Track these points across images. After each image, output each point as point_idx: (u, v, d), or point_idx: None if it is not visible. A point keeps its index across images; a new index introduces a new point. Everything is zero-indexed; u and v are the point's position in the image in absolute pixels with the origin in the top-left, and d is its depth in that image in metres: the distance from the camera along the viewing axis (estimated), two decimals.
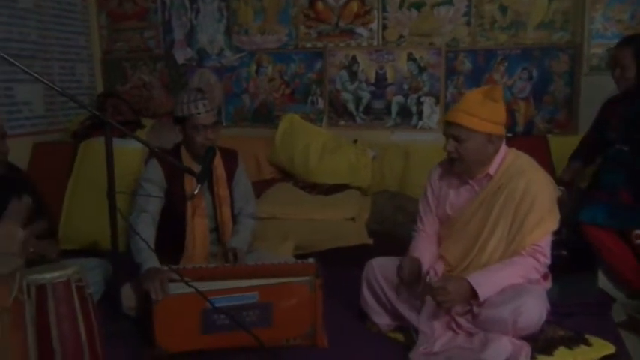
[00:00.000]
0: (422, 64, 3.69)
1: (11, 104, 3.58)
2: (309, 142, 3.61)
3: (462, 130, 2.00)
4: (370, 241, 3.02)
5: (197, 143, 2.39)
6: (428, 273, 2.09)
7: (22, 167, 2.71)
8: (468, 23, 3.59)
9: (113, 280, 2.31)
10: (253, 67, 4.01)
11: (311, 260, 2.29)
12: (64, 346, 1.58)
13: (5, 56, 1.77)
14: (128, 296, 2.29)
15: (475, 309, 1.98)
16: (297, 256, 2.62)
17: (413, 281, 2.09)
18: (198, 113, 2.35)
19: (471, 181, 2.12)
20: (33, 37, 3.74)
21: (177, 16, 4.10)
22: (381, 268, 2.28)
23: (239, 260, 2.30)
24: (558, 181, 2.77)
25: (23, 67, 1.84)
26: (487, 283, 1.95)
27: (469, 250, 2.10)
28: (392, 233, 3.07)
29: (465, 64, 3.63)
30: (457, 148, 2.02)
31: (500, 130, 2.03)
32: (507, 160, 2.08)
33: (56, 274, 1.59)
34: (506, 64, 3.58)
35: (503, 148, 2.09)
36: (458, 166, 2.08)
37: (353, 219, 3.16)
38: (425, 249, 2.20)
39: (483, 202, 2.08)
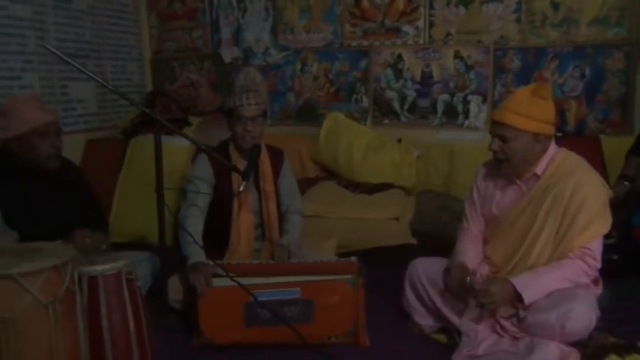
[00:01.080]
0: (469, 63, 3.62)
1: (66, 102, 3.72)
2: (353, 140, 3.60)
3: (508, 130, 1.95)
4: (414, 241, 2.99)
5: (238, 134, 2.42)
6: (474, 274, 2.05)
7: (75, 162, 2.81)
8: (518, 20, 3.50)
9: (160, 274, 2.36)
10: (298, 66, 4.03)
11: (354, 259, 2.29)
12: (113, 336, 1.63)
13: (62, 56, 1.83)
14: (175, 289, 2.34)
15: (521, 313, 1.93)
16: (340, 255, 2.62)
17: (461, 290, 2.04)
18: (241, 105, 2.39)
19: (518, 181, 2.07)
20: (87, 37, 3.87)
21: (224, 16, 4.17)
22: (425, 268, 2.25)
23: (282, 256, 2.32)
24: (623, 177, 2.68)
25: (79, 67, 1.90)
26: (533, 286, 1.89)
27: (515, 251, 2.05)
28: (436, 233, 3.03)
29: (514, 62, 3.55)
30: (503, 148, 1.98)
31: (548, 129, 1.97)
32: (556, 159, 2.02)
33: (107, 266, 1.64)
34: (557, 61, 3.48)
35: (552, 147, 2.03)
36: (504, 167, 2.03)
37: (396, 218, 3.13)
38: (470, 250, 2.16)
39: (530, 202, 2.03)
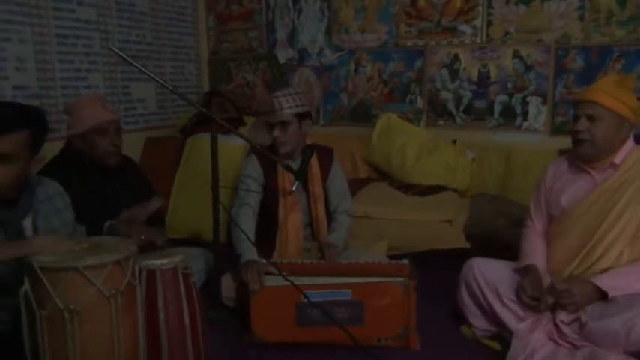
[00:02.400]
0: (528, 62, 3.51)
1: (128, 101, 3.86)
2: (407, 141, 3.57)
3: (596, 108, 1.95)
4: (467, 245, 2.93)
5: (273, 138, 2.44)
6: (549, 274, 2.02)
7: (135, 160, 2.91)
8: (581, 18, 3.37)
9: (214, 270, 2.41)
10: (352, 66, 4.03)
11: (405, 261, 2.27)
12: (169, 329, 1.68)
13: (125, 57, 1.90)
14: (228, 286, 2.39)
15: (583, 318, 1.86)
16: (391, 257, 2.60)
17: (539, 292, 2.00)
18: (273, 110, 2.40)
19: (592, 172, 2.03)
20: (148, 39, 4.00)
21: (280, 17, 4.22)
22: (481, 268, 2.21)
23: (332, 256, 2.32)
24: None
25: (141, 67, 1.97)
26: (617, 286, 1.85)
27: (579, 248, 2.00)
28: (490, 237, 2.96)
29: (577, 62, 3.42)
30: (589, 128, 1.96)
31: (631, 117, 1.97)
32: (635, 153, 1.99)
33: (165, 261, 1.69)
34: (623, 61, 3.32)
35: (631, 141, 2.01)
36: (585, 148, 1.99)
37: (449, 221, 3.08)
38: (540, 250, 2.13)
39: (603, 194, 1.98)
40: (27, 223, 1.67)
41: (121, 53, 1.92)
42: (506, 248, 2.38)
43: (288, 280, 2.02)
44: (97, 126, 2.29)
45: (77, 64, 3.46)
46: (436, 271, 2.70)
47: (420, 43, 3.78)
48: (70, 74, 3.42)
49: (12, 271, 1.50)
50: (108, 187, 2.36)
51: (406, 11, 3.79)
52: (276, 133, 2.41)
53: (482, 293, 2.19)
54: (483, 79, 3.65)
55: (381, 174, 3.70)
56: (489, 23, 3.58)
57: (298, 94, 2.47)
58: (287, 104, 2.41)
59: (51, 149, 2.40)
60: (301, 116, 2.46)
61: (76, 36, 3.44)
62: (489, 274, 2.18)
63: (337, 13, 4.01)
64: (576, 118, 2.02)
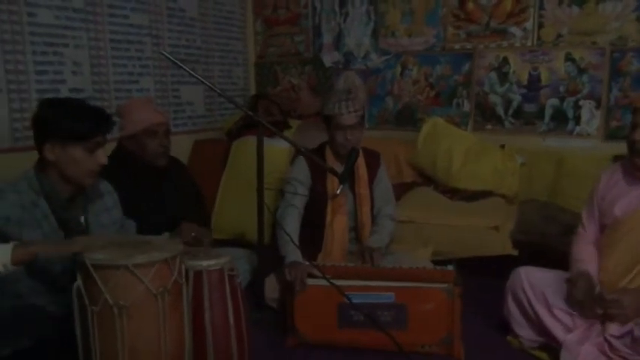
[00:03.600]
0: (582, 65, 3.40)
1: (177, 104, 3.96)
2: (453, 145, 3.51)
3: None
4: (515, 252, 2.86)
5: (337, 142, 2.45)
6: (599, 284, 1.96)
7: (183, 161, 2.98)
8: (639, 19, 3.24)
9: (258, 271, 2.44)
10: (398, 70, 4.00)
11: (450, 267, 2.24)
12: (214, 328, 1.71)
13: (176, 61, 1.95)
14: (271, 288, 2.41)
15: (636, 332, 1.79)
16: (436, 262, 2.57)
17: (588, 302, 1.94)
18: (341, 114, 2.41)
19: None
20: (197, 43, 4.09)
21: (326, 21, 4.24)
22: (529, 277, 2.16)
23: (375, 260, 2.31)
24: None
25: (191, 72, 2.02)
26: None
27: (636, 258, 1.92)
28: (539, 245, 2.87)
29: (634, 65, 3.28)
30: None
31: None
32: None
33: (212, 262, 1.72)
34: None
35: None
36: None
37: (496, 228, 3.01)
38: (591, 258, 2.06)
39: None
40: (81, 219, 1.74)
41: (172, 57, 1.97)
42: (555, 257, 2.31)
43: (330, 282, 2.02)
44: (147, 128, 2.35)
45: (130, 68, 3.57)
46: (482, 279, 2.64)
47: (468, 46, 3.72)
48: (123, 77, 3.53)
49: (65, 269, 1.56)
50: (156, 187, 2.42)
51: (454, 14, 3.74)
52: (349, 135, 2.42)
53: (530, 303, 2.13)
54: (534, 83, 3.55)
55: (426, 178, 3.65)
56: (541, 25, 3.49)
57: (357, 98, 2.51)
58: (353, 108, 2.42)
59: (105, 149, 2.49)
60: (363, 118, 2.50)
61: (129, 41, 3.55)
62: (537, 284, 2.12)
63: (384, 17, 3.99)
64: (635, 125, 1.93)
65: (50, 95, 2.95)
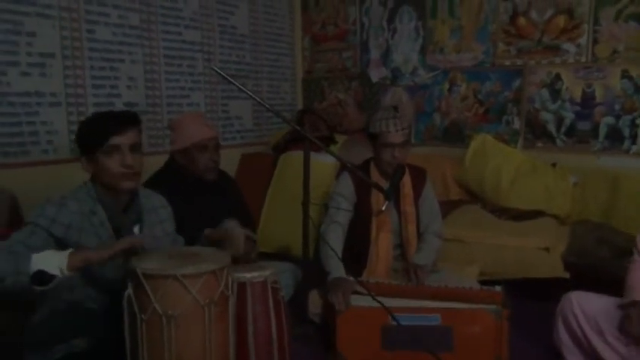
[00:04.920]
0: (639, 83, 3.28)
1: (226, 118, 4.04)
2: (502, 163, 3.44)
3: None
4: (566, 275, 2.76)
5: (383, 160, 2.44)
6: None
7: (230, 174, 3.03)
8: None
9: (302, 286, 2.44)
10: (446, 86, 3.96)
11: (498, 288, 2.18)
12: (257, 341, 1.71)
13: (228, 77, 1.99)
14: (314, 303, 2.41)
15: None
16: (482, 282, 2.51)
17: None
18: (388, 132, 2.40)
19: None
20: (247, 59, 4.18)
21: (374, 37, 4.25)
22: (581, 302, 2.07)
23: (420, 278, 2.28)
24: None
25: (242, 87, 2.05)
26: None
27: None
28: (592, 268, 2.77)
29: None
30: None
31: None
32: None
33: (255, 274, 1.73)
34: None
35: None
36: None
37: (547, 249, 2.92)
38: None
39: None
40: (136, 230, 1.79)
41: (223, 74, 2.01)
42: (609, 281, 2.21)
43: (378, 301, 1.99)
44: (197, 142, 2.40)
45: (181, 83, 3.68)
46: (531, 301, 2.57)
47: (519, 62, 3.65)
48: (175, 92, 3.64)
49: (118, 278, 1.60)
50: (206, 200, 2.46)
51: (505, 30, 3.68)
52: (396, 153, 2.41)
53: (582, 329, 2.05)
54: (588, 100, 3.45)
55: (474, 196, 3.59)
56: (595, 41, 3.39)
57: (404, 116, 2.50)
58: (400, 126, 2.42)
59: (155, 162, 2.56)
60: (409, 136, 2.50)
61: (182, 57, 3.66)
62: (590, 309, 2.04)
63: (432, 33, 3.97)
64: None
65: (105, 109, 3.06)
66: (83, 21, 3.09)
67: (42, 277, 1.42)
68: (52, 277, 1.42)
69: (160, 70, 3.54)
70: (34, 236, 1.57)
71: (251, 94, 2.13)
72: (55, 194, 1.71)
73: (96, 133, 1.68)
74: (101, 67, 3.20)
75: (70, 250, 1.47)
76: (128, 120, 1.72)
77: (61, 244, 1.58)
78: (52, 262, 1.43)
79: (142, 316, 1.41)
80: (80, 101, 3.11)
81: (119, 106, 3.29)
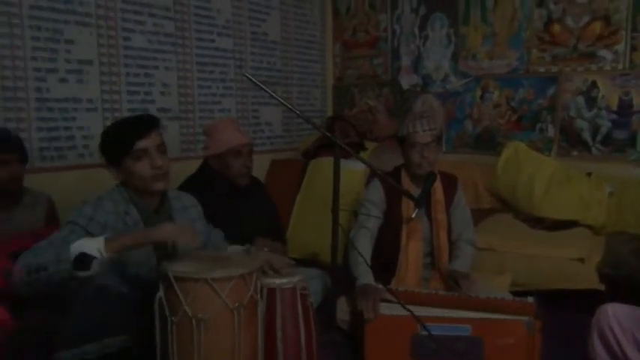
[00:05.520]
0: None
1: (256, 124, 4.08)
2: (535, 172, 3.38)
3: None
4: (601, 287, 2.68)
5: (412, 162, 2.41)
6: None
7: (261, 180, 3.05)
8: None
9: (330, 292, 2.43)
10: (478, 93, 3.92)
11: (530, 299, 2.13)
12: (285, 347, 1.72)
13: (259, 84, 2.01)
14: (342, 310, 2.39)
15: None
16: (514, 293, 2.45)
17: None
18: (416, 131, 2.38)
19: None
20: (278, 66, 4.21)
21: (405, 44, 4.24)
22: (617, 315, 2.00)
23: (461, 285, 2.24)
24: None
25: (272, 94, 2.07)
26: None
27: None
28: (629, 280, 2.69)
29: None
30: None
31: None
32: None
33: (284, 280, 1.74)
34: None
35: None
36: None
37: (581, 260, 2.85)
38: None
39: None
40: None
41: (255, 80, 2.03)
42: None
43: (407, 310, 1.97)
44: (231, 148, 2.44)
45: (213, 89, 3.73)
46: (564, 313, 2.50)
47: (554, 69, 3.59)
48: (207, 98, 3.69)
49: (152, 278, 1.63)
50: (238, 204, 2.49)
51: (539, 36, 3.62)
52: (425, 153, 2.38)
53: (619, 343, 1.98)
54: (625, 108, 3.36)
55: (506, 205, 3.53)
56: (633, 48, 3.31)
57: (433, 118, 2.47)
58: (428, 126, 2.39)
59: (188, 167, 2.60)
60: (439, 139, 2.47)
61: (214, 63, 3.71)
62: (627, 323, 1.97)
63: (464, 39, 3.94)
64: None
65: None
66: (120, 29, 3.17)
67: (82, 261, 1.45)
68: (92, 261, 1.45)
69: (193, 76, 3.59)
70: (73, 234, 1.62)
71: (282, 100, 2.14)
72: (90, 197, 1.76)
73: (121, 141, 1.72)
74: (136, 74, 3.27)
75: (106, 235, 1.52)
76: (150, 123, 1.76)
77: None
78: (91, 245, 1.47)
79: (173, 318, 1.43)
80: (115, 107, 3.18)
81: (153, 112, 3.36)
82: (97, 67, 3.08)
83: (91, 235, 1.64)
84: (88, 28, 3.03)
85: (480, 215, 3.29)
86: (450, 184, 2.55)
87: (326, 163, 3.57)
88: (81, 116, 3.04)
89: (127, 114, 3.19)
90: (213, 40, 3.70)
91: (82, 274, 1.45)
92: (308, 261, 3.37)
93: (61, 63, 2.93)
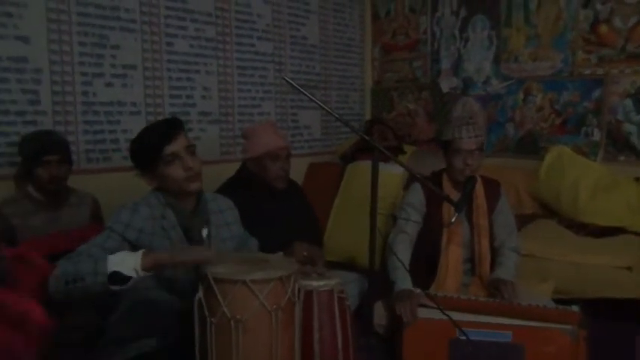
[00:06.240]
0: None
1: (295, 128, 4.10)
2: (580, 176, 3.28)
3: None
4: None
5: (455, 168, 2.38)
6: None
7: (298, 183, 3.06)
8: None
9: (367, 296, 2.42)
10: (520, 96, 3.84)
11: (574, 308, 2.07)
12: (322, 350, 1.71)
13: (299, 88, 2.01)
14: (379, 314, 2.38)
15: None
16: (557, 301, 2.39)
17: None
18: (461, 138, 2.35)
19: None
20: (317, 70, 4.23)
21: (445, 47, 4.19)
22: None
23: (508, 292, 2.19)
24: None
25: (312, 97, 2.07)
26: None
27: None
28: None
29: None
30: None
31: None
32: None
33: (322, 282, 1.74)
34: None
35: None
36: None
37: (629, 268, 2.75)
38: None
39: None
40: (204, 233, 1.85)
41: (294, 84, 2.04)
42: None
43: (446, 315, 1.94)
44: (270, 151, 2.45)
45: (253, 93, 3.77)
46: (610, 323, 2.42)
47: (600, 71, 3.48)
48: (247, 102, 3.74)
49: (190, 281, 1.66)
50: (275, 207, 2.50)
51: (585, 38, 3.52)
52: (469, 160, 2.36)
53: None
54: None
55: (549, 210, 3.44)
56: None
57: (478, 124, 2.44)
58: (474, 133, 2.37)
59: (227, 170, 2.64)
60: (483, 145, 2.44)
61: (254, 67, 3.76)
62: None
63: (506, 41, 3.86)
64: None
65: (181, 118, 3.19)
66: (163, 34, 3.24)
67: (118, 277, 1.49)
68: (128, 277, 1.49)
69: (233, 80, 3.65)
70: (110, 240, 1.67)
71: (320, 103, 2.14)
72: (133, 198, 1.80)
73: (150, 149, 1.75)
74: (178, 78, 3.34)
75: (143, 250, 1.54)
76: (175, 126, 1.78)
77: (134, 247, 1.67)
78: (128, 263, 1.50)
79: (212, 319, 1.45)
80: (158, 110, 3.26)
81: (194, 115, 3.42)
82: (141, 71, 3.16)
83: (127, 241, 1.68)
84: (132, 34, 3.11)
85: (521, 221, 3.22)
86: (493, 189, 2.50)
87: (364, 166, 3.56)
88: (125, 119, 3.12)
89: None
90: (253, 45, 3.74)
91: (118, 288, 1.49)
92: (345, 264, 3.37)
93: (106, 68, 3.02)
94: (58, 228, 2.46)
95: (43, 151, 2.43)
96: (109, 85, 3.04)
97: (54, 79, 2.84)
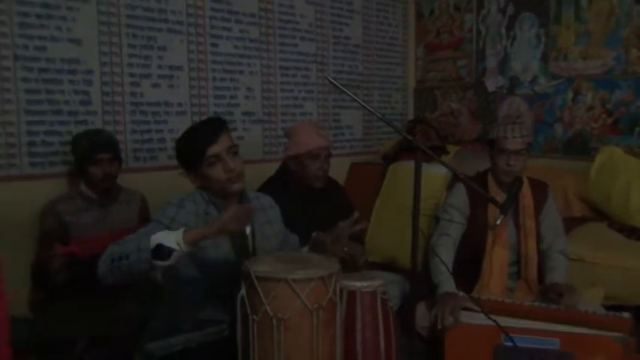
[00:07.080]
0: None
1: (337, 128, 4.10)
2: (632, 178, 3.16)
3: None
4: None
5: (499, 168, 2.34)
6: None
7: (340, 182, 3.06)
8: None
9: (409, 298, 2.40)
10: (570, 95, 3.72)
11: (626, 315, 2.00)
12: (364, 351, 1.70)
13: (342, 87, 2.01)
14: (422, 316, 2.35)
15: None
16: (607, 307, 2.31)
17: None
18: (506, 137, 2.30)
19: None
20: (359, 69, 4.22)
21: (491, 45, 4.11)
22: None
23: (573, 298, 2.13)
24: None
25: (354, 97, 2.06)
26: None
27: None
28: None
29: None
30: None
31: None
32: None
33: (365, 283, 1.73)
34: None
35: None
36: None
37: None
38: None
39: None
40: (247, 231, 1.87)
41: (337, 83, 2.04)
42: None
43: (492, 320, 1.90)
44: (310, 151, 2.47)
45: (295, 93, 3.79)
46: None
47: None
48: (289, 102, 3.76)
49: (232, 279, 1.68)
50: (314, 206, 2.51)
51: (639, 35, 3.39)
52: (512, 161, 2.31)
53: None
54: None
55: (599, 213, 3.33)
56: None
57: (525, 124, 2.38)
58: (519, 133, 2.32)
59: (270, 169, 2.66)
60: (530, 146, 2.39)
61: (296, 67, 3.78)
62: None
63: (555, 39, 3.76)
64: None
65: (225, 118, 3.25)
66: (208, 35, 3.30)
67: (161, 252, 1.51)
68: (171, 252, 1.52)
69: (276, 80, 3.68)
70: (156, 230, 1.70)
71: (363, 103, 2.13)
72: (177, 196, 1.84)
73: (193, 150, 1.78)
74: (222, 79, 3.39)
75: (184, 228, 1.58)
76: (218, 127, 1.80)
77: None
78: (170, 238, 1.53)
79: (254, 317, 1.46)
80: (203, 110, 3.32)
81: (237, 115, 3.47)
82: (187, 72, 3.23)
83: None
84: (178, 36, 3.18)
85: (570, 223, 3.12)
86: (541, 190, 2.44)
87: (406, 166, 3.53)
88: (171, 119, 3.20)
89: None
90: (296, 45, 3.76)
91: (161, 263, 1.52)
92: (386, 265, 3.35)
93: (153, 69, 3.10)
94: (108, 225, 2.54)
95: (96, 150, 2.52)
96: (155, 85, 3.12)
97: (104, 80, 2.93)
